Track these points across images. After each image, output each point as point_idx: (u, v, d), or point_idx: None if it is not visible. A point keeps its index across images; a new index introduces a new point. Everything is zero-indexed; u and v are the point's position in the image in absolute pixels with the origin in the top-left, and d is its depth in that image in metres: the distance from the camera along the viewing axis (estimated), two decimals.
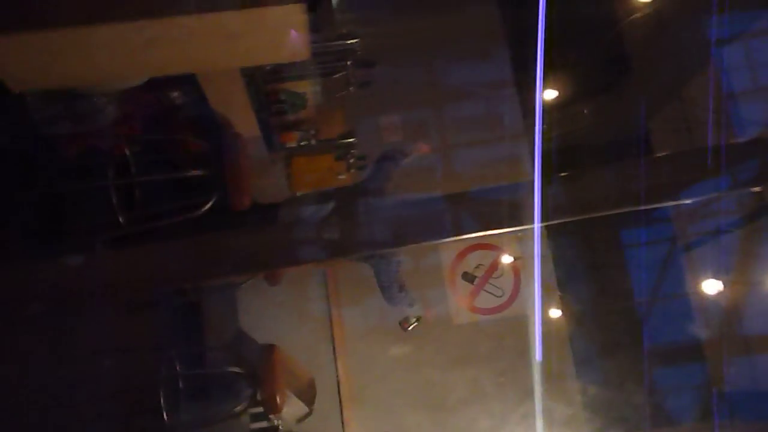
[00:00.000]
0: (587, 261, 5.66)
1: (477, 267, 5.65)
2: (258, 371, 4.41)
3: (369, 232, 4.07)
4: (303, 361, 5.06)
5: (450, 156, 5.81)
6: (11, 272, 3.51)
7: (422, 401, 5.38)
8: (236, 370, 4.49)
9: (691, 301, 5.45)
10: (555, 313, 5.53)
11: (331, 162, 4.82)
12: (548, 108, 5.39)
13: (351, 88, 4.77)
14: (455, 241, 5.43)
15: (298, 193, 4.72)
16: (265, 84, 4.35)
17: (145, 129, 3.80)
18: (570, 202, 4.05)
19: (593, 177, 4.22)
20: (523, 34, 4.47)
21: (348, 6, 4.17)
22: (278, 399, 4.32)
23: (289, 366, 4.66)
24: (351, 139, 4.84)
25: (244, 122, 4.04)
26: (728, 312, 5.23)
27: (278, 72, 4.37)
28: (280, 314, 5.35)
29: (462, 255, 5.66)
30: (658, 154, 5.26)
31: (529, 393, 4.94)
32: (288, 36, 3.22)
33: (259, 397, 4.38)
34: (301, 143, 4.79)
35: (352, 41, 4.46)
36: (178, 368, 4.26)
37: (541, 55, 4.19)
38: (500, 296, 5.62)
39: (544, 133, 4.63)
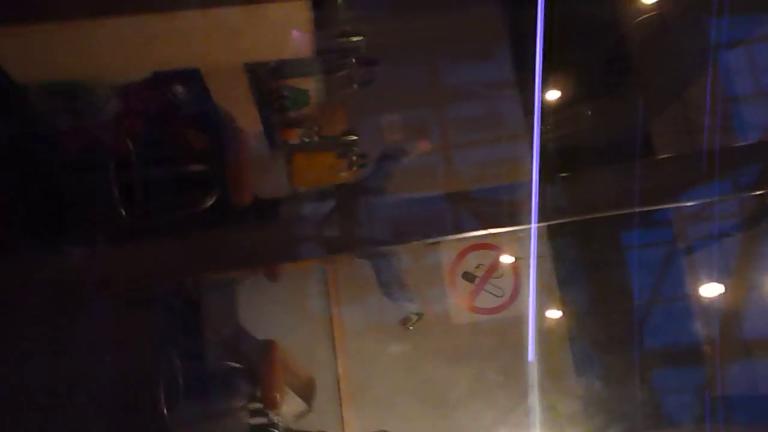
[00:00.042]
0: (587, 262, 5.66)
1: (477, 267, 5.66)
2: (257, 368, 4.41)
3: (369, 229, 4.07)
4: (302, 358, 5.06)
5: (451, 155, 5.81)
6: (10, 267, 3.51)
7: (421, 400, 5.38)
8: (235, 366, 4.49)
9: (691, 303, 5.45)
10: (555, 313, 5.53)
11: (332, 159, 4.82)
12: (549, 109, 5.39)
13: (354, 86, 4.77)
14: (456, 240, 5.43)
15: (299, 190, 4.72)
16: (267, 80, 4.34)
17: (147, 124, 3.80)
18: (570, 203, 4.05)
19: (594, 178, 4.22)
20: (525, 34, 4.47)
21: (352, 4, 4.18)
22: (277, 396, 4.32)
23: (288, 363, 4.66)
24: (353, 137, 4.84)
25: (247, 118, 4.04)
26: (727, 315, 5.23)
27: (281, 68, 4.36)
28: (280, 311, 5.35)
29: (462, 254, 5.66)
30: (659, 156, 5.26)
31: (529, 392, 4.94)
32: (291, 32, 3.23)
33: (257, 393, 4.38)
34: (303, 140, 4.79)
35: (355, 39, 4.46)
36: (176, 364, 4.26)
37: (540, 55, 4.20)
38: (500, 296, 5.62)
39: (545, 133, 4.63)
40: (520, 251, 5.60)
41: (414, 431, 5.37)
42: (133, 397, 3.91)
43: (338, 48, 4.45)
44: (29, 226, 3.59)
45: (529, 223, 3.89)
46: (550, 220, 4.05)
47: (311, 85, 4.56)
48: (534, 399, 4.87)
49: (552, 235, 5.37)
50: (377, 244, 4.44)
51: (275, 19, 3.18)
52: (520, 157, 4.93)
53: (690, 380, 5.56)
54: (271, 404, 4.33)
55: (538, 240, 4.93)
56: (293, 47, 3.33)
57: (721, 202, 4.82)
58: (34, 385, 3.48)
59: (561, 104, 5.46)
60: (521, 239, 5.47)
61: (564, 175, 4.11)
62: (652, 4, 5.27)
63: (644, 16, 5.29)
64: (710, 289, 5.21)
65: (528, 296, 5.50)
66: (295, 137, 4.74)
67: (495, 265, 5.66)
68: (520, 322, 5.38)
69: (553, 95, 5.45)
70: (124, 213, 3.52)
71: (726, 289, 5.17)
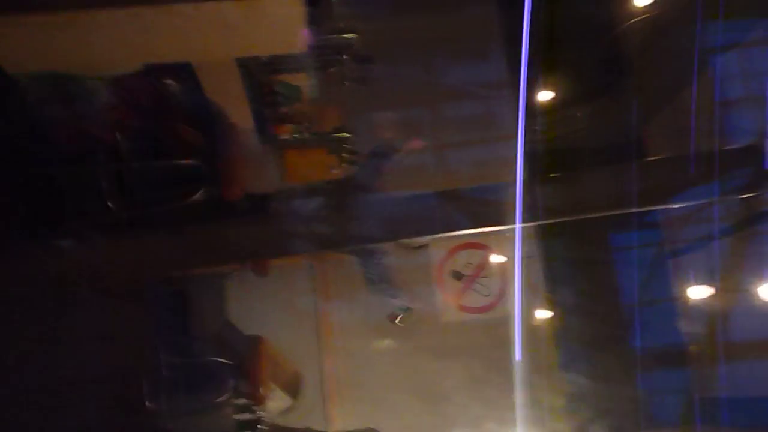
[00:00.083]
0: (575, 262, 5.67)
1: (466, 265, 5.66)
2: (244, 362, 4.40)
3: (359, 226, 4.07)
4: (289, 354, 5.05)
5: (444, 154, 5.81)
6: (1, 261, 3.50)
7: (407, 397, 5.38)
8: (222, 360, 4.48)
9: (678, 306, 5.47)
10: (542, 313, 5.54)
11: (323, 156, 4.82)
12: (542, 109, 5.39)
13: (346, 83, 4.76)
14: (446, 239, 5.44)
15: (290, 186, 4.71)
16: (261, 75, 4.33)
17: (139, 116, 3.78)
18: (560, 203, 4.06)
19: (584, 179, 4.23)
20: (520, 34, 4.47)
21: (347, 1, 4.17)
22: (263, 391, 4.32)
23: (275, 358, 4.65)
24: (345, 134, 4.84)
25: (239, 112, 4.03)
26: (714, 318, 5.25)
27: (274, 64, 4.36)
28: (268, 306, 5.34)
29: (452, 253, 5.67)
30: (651, 159, 5.27)
31: (516, 391, 4.96)
32: (285, 28, 3.22)
33: (244, 388, 4.38)
34: (295, 136, 4.78)
35: (349, 36, 4.45)
36: (162, 357, 4.24)
37: (525, 56, 4.21)
38: (488, 295, 5.63)
39: (536, 134, 4.64)
40: (509, 251, 5.60)
41: (401, 428, 5.37)
42: (121, 391, 3.90)
43: (331, 45, 4.44)
44: (18, 219, 3.57)
45: (522, 222, 3.90)
46: (538, 220, 4.06)
47: (304, 81, 4.56)
48: (520, 396, 4.89)
49: (541, 235, 5.37)
50: (367, 241, 4.44)
51: (269, 14, 3.17)
52: (513, 158, 4.93)
53: (677, 381, 5.59)
54: (257, 400, 4.32)
55: (527, 240, 4.94)
56: (287, 43, 3.32)
57: (711, 204, 4.83)
58: (24, 379, 3.47)
59: (553, 105, 5.47)
60: (510, 239, 5.48)
61: (554, 175, 4.12)
62: (646, 6, 5.28)
63: (638, 19, 5.30)
64: (698, 291, 5.23)
65: (515, 295, 5.52)
66: (287, 133, 4.74)
67: (483, 265, 5.67)
68: (507, 320, 5.39)
69: (546, 96, 5.45)
70: (113, 206, 3.50)
71: (714, 291, 5.19)
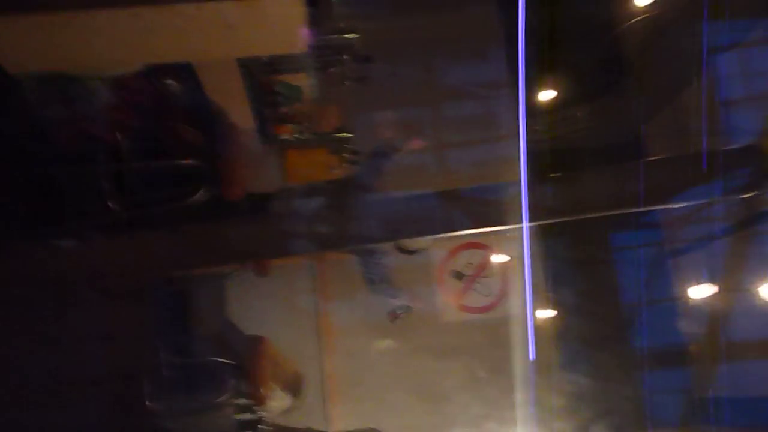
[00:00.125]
0: (576, 262, 5.67)
1: (467, 265, 5.66)
2: (245, 362, 4.40)
3: (360, 226, 4.07)
4: (290, 353, 5.05)
5: (444, 154, 5.81)
6: (1, 260, 3.50)
7: (408, 397, 5.38)
8: (222, 360, 4.48)
9: (678, 305, 5.47)
10: (543, 312, 5.54)
11: (324, 156, 4.82)
12: (542, 109, 5.39)
13: (347, 83, 4.77)
14: (447, 238, 5.44)
15: (291, 186, 4.71)
16: (261, 75, 4.33)
17: (139, 116, 3.78)
18: (561, 203, 4.06)
19: (585, 179, 4.23)
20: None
21: (347, 1, 4.17)
22: (263, 391, 4.32)
23: (275, 358, 4.65)
24: (346, 134, 4.84)
25: (240, 113, 4.03)
26: (716, 317, 5.25)
27: (275, 64, 4.36)
28: (268, 306, 5.35)
29: (453, 253, 5.67)
30: (651, 158, 5.27)
31: (516, 389, 4.96)
32: (286, 28, 3.22)
33: (245, 388, 4.38)
34: (296, 136, 4.78)
35: (350, 36, 4.45)
36: (163, 357, 4.25)
37: (522, 55, 4.21)
38: (489, 295, 5.63)
39: (538, 134, 4.64)
40: (510, 251, 5.60)
41: (401, 427, 5.37)
42: (122, 391, 3.90)
43: (332, 45, 4.44)
44: (19, 218, 3.58)
45: (521, 222, 3.90)
46: (540, 220, 4.06)
47: (304, 82, 4.55)
48: (522, 395, 4.89)
49: (542, 235, 5.37)
50: (368, 241, 4.44)
51: (269, 15, 3.16)
52: (513, 157, 4.93)
53: (677, 381, 5.59)
54: (258, 399, 4.32)
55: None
56: (287, 43, 3.32)
57: (711, 204, 4.83)
58: (25, 379, 3.47)
59: (554, 105, 5.47)
60: (511, 239, 5.47)
61: (555, 175, 4.12)
62: (646, 6, 5.28)
63: (638, 19, 5.30)
64: (699, 291, 5.23)
65: (516, 295, 5.51)
66: (287, 133, 4.74)
67: (484, 265, 5.67)
68: (508, 320, 5.39)
69: (547, 96, 5.45)
70: (114, 206, 3.51)
71: (715, 290, 5.19)
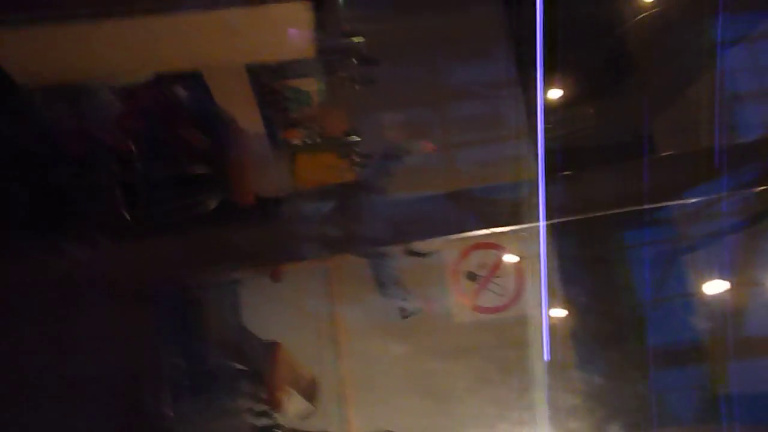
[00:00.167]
0: (590, 260, 5.66)
1: (480, 266, 5.66)
2: (261, 368, 4.41)
3: (371, 229, 4.08)
4: (305, 358, 5.05)
5: (453, 154, 5.81)
6: (13, 266, 3.52)
7: (424, 398, 5.38)
8: (239, 367, 4.49)
9: (693, 301, 5.45)
10: (556, 312, 5.53)
11: (334, 159, 4.82)
12: (552, 108, 5.39)
13: (355, 86, 4.78)
14: (459, 239, 5.44)
15: (301, 190, 4.73)
16: (269, 81, 4.35)
17: (150, 124, 3.80)
18: (573, 202, 4.06)
19: (596, 176, 4.23)
20: (527, 33, 4.48)
21: (353, 4, 4.18)
22: (281, 396, 4.33)
23: (291, 363, 4.66)
24: (355, 137, 4.85)
25: (249, 119, 4.05)
26: (730, 313, 5.23)
27: (283, 69, 4.37)
28: (282, 311, 5.35)
29: (465, 253, 5.66)
30: (662, 155, 5.26)
31: (531, 390, 4.95)
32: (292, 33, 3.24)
33: (261, 394, 4.39)
34: (305, 140, 4.80)
35: (356, 39, 4.46)
36: (180, 364, 4.26)
37: (540, 53, 4.21)
38: (503, 295, 5.62)
39: (548, 132, 4.64)
40: (523, 250, 5.60)
41: (416, 429, 5.36)
42: (137, 398, 3.92)
43: (339, 48, 4.45)
44: (33, 225, 3.61)
45: (535, 221, 3.90)
46: (552, 219, 4.06)
47: (312, 86, 4.57)
48: (537, 396, 4.88)
49: (554, 234, 5.37)
50: (379, 243, 4.44)
51: (276, 20, 3.18)
52: (522, 157, 4.93)
53: (691, 378, 5.56)
54: (275, 405, 4.33)
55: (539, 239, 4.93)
56: (293, 46, 3.33)
57: (723, 199, 4.82)
58: (37, 384, 3.49)
59: (562, 103, 5.46)
60: (524, 238, 5.47)
61: (566, 173, 4.12)
62: (653, 2, 5.27)
63: (645, 14, 5.29)
64: (713, 287, 5.21)
65: (531, 295, 5.51)
66: (297, 137, 4.75)
67: (498, 264, 5.66)
68: (522, 320, 5.38)
69: (555, 94, 5.45)
70: (126, 213, 3.53)
71: (729, 286, 5.17)
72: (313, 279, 5.54)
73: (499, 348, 5.42)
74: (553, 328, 5.44)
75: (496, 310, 5.61)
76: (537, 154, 4.44)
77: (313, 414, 4.84)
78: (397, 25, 5.28)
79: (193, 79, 3.67)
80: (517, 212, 4.08)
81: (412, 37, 5.45)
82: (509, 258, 5.66)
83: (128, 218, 3.55)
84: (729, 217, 5.22)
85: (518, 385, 5.14)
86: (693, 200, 4.59)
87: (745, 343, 5.29)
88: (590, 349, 5.42)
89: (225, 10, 3.09)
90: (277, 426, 4.62)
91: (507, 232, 4.62)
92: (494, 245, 5.66)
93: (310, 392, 4.87)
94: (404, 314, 5.33)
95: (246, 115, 4.00)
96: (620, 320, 5.50)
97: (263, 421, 4.65)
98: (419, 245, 5.04)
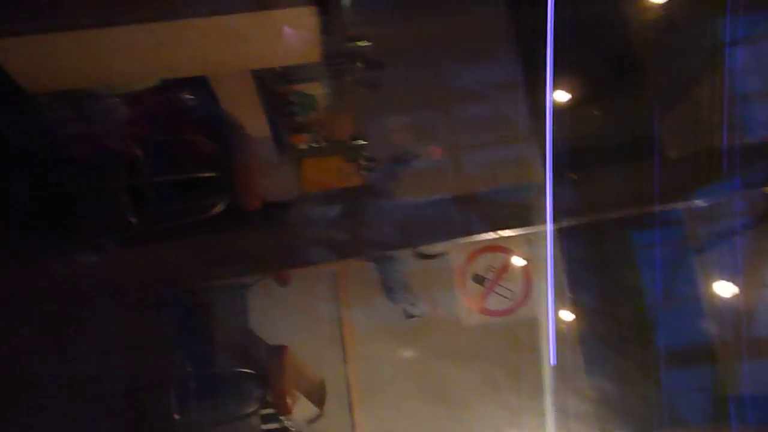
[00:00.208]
0: (597, 263, 5.64)
1: (487, 269, 5.65)
2: (268, 372, 4.42)
3: (379, 233, 4.08)
4: (312, 361, 5.07)
5: (460, 158, 5.80)
6: (21, 271, 3.54)
7: (431, 402, 5.38)
8: (246, 370, 4.50)
9: (702, 302, 5.43)
10: (565, 314, 5.52)
11: (340, 163, 4.83)
12: (559, 109, 5.37)
13: (361, 90, 4.77)
14: (466, 243, 5.43)
15: (309, 195, 4.73)
16: (275, 86, 4.35)
17: (156, 130, 3.81)
18: (581, 204, 4.05)
19: (603, 178, 4.22)
20: (533, 35, 4.47)
21: (358, 8, 4.18)
22: (289, 400, 4.33)
23: (299, 367, 4.66)
24: (361, 141, 4.85)
25: (255, 123, 4.05)
26: (740, 314, 5.21)
27: (289, 74, 4.37)
28: (289, 315, 5.36)
29: (472, 257, 5.66)
30: (669, 156, 5.24)
31: (539, 394, 4.94)
32: (296, 38, 3.23)
33: (269, 398, 4.39)
34: (312, 145, 4.80)
35: (362, 43, 4.46)
36: (187, 368, 4.27)
37: (551, 55, 4.19)
38: (510, 298, 5.62)
39: (554, 134, 4.63)
40: (530, 253, 5.59)
41: None
42: (145, 402, 3.93)
43: (345, 53, 4.45)
44: (39, 231, 3.62)
45: (542, 224, 3.89)
46: (560, 221, 4.05)
47: (318, 90, 4.57)
48: (545, 400, 4.87)
49: (561, 236, 5.35)
50: (387, 247, 4.44)
51: (281, 25, 3.18)
52: (529, 159, 4.92)
53: (701, 379, 5.54)
54: (283, 409, 4.34)
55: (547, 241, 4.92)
56: (300, 53, 3.33)
57: (731, 199, 4.80)
58: (44, 388, 3.50)
59: (569, 105, 5.45)
60: (531, 241, 5.46)
61: (574, 176, 4.11)
62: (660, 3, 5.25)
63: (652, 15, 5.27)
64: (722, 288, 5.19)
65: (538, 298, 5.50)
66: (303, 142, 4.76)
67: (505, 268, 5.65)
68: (530, 323, 5.37)
69: (562, 96, 5.44)
70: (133, 219, 3.54)
71: (738, 287, 5.15)
72: (321, 283, 5.54)
73: (507, 351, 5.42)
74: (560, 331, 5.43)
75: (504, 313, 5.60)
76: (544, 157, 4.43)
77: (320, 417, 4.84)
78: (402, 28, 5.28)
79: (199, 85, 3.68)
80: (524, 215, 4.07)
81: (417, 40, 5.44)
82: (517, 261, 5.65)
83: (135, 223, 3.55)
84: (738, 218, 5.20)
85: (526, 389, 5.14)
86: (701, 201, 4.56)
87: (755, 344, 5.27)
88: (598, 351, 5.40)
89: (230, 15, 3.08)
90: (285, 429, 4.63)
91: (514, 235, 4.60)
92: (502, 248, 5.66)
93: (317, 396, 4.88)
94: (408, 314, 5.34)
95: (252, 119, 4.00)
96: (628, 323, 5.48)
97: (270, 425, 4.66)
98: (427, 247, 5.05)
